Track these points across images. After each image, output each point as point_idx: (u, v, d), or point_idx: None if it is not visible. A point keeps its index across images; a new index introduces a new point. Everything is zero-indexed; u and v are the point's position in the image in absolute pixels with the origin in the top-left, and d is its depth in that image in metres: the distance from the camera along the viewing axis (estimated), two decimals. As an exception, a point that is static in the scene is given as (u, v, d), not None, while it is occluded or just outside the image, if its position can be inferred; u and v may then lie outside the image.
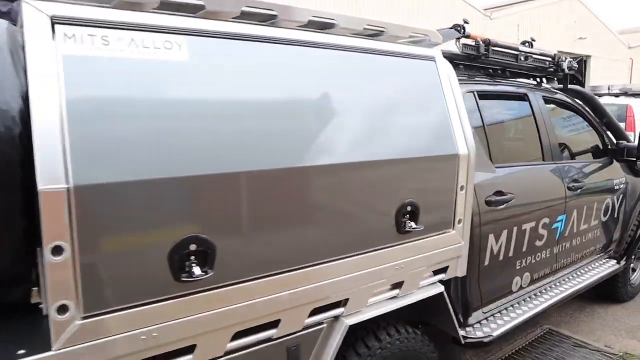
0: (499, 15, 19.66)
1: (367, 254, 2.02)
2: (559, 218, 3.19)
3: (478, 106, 2.78)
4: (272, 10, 1.75)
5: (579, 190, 3.32)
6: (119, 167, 1.37)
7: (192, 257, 1.50)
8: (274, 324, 1.78)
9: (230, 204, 1.61)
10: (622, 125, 8.97)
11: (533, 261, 3.07)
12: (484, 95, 2.86)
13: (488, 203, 2.64)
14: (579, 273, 3.67)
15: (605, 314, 4.19)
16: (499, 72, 3.15)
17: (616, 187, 3.82)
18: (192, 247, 1.50)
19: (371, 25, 2.06)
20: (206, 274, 1.51)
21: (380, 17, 2.20)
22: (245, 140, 1.63)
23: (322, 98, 1.88)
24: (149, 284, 1.46)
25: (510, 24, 19.42)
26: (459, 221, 2.37)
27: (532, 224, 2.94)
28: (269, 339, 1.78)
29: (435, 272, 2.37)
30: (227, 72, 1.65)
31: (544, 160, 3.17)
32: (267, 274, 1.71)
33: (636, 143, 3.65)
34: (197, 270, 1.49)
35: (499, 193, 2.69)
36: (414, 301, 2.26)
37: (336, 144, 1.91)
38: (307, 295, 1.83)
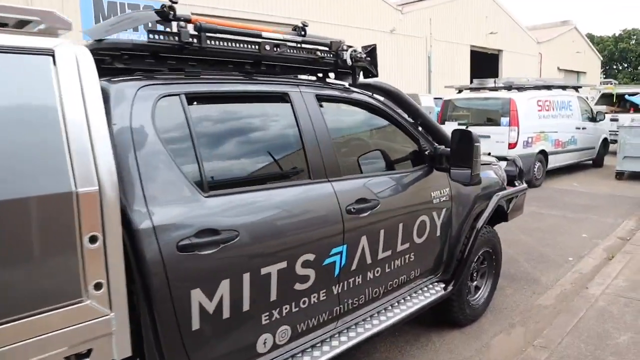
0: (410, 9, 19.46)
1: None
2: (335, 250, 2.51)
3: (186, 114, 2.03)
4: None
5: (367, 213, 2.66)
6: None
7: None
8: None
9: None
10: (505, 119, 8.95)
11: (295, 310, 2.38)
12: (200, 99, 2.13)
13: (183, 249, 1.89)
14: (386, 308, 3.03)
15: (440, 343, 3.61)
16: (249, 67, 2.43)
17: (435, 201, 3.22)
18: None
19: None
20: None
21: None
22: None
23: None
24: None
25: (422, 19, 19.28)
26: (98, 286, 1.60)
27: (280, 265, 2.23)
28: None
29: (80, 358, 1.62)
30: None
31: (311, 178, 2.48)
32: None
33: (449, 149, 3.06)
34: None
35: (204, 233, 1.96)
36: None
37: None
38: None
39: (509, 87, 9.76)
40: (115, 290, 1.65)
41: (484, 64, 24.02)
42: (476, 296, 3.90)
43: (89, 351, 1.64)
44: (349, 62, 2.71)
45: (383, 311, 3.00)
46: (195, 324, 1.97)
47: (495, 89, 10.03)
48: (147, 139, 1.89)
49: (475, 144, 2.87)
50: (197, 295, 1.95)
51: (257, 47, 2.31)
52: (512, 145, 8.92)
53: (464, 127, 2.87)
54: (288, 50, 2.42)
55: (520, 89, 9.66)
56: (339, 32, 17.23)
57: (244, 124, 2.33)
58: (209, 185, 2.05)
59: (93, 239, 1.58)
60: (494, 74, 23.42)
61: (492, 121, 9.40)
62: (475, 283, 3.88)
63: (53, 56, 1.58)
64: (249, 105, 2.40)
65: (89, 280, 1.59)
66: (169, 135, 1.98)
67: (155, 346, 1.89)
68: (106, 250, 1.61)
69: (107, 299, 1.64)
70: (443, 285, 3.43)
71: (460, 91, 10.78)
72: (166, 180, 1.91)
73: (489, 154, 4.55)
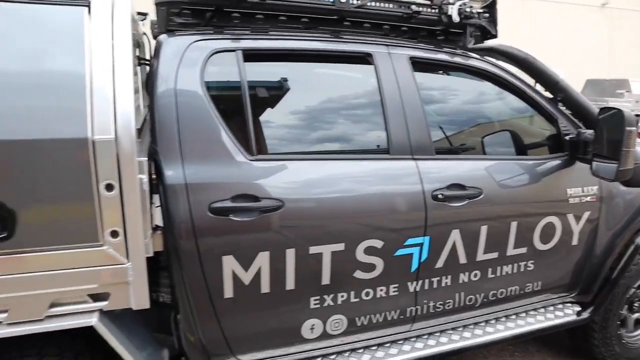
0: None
1: None
2: (412, 241, 2.14)
3: (240, 72, 1.91)
4: None
5: (462, 202, 2.21)
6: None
7: None
8: None
9: None
10: None
11: (354, 300, 2.11)
12: (259, 56, 1.99)
13: (216, 211, 1.80)
14: (487, 322, 2.52)
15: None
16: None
17: (573, 201, 2.53)
18: None
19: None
20: None
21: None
22: None
23: None
24: None
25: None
26: (114, 234, 1.62)
27: (335, 247, 1.98)
28: None
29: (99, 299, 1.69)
30: None
31: (389, 153, 2.15)
32: None
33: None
34: None
35: (242, 198, 1.83)
36: (37, 331, 1.62)
37: None
38: None
39: None
40: (132, 241, 1.64)
41: None
42: (636, 333, 3.01)
43: (107, 295, 1.68)
44: (455, 18, 2.25)
45: (481, 324, 2.50)
46: (228, 292, 1.87)
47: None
48: (192, 94, 1.83)
49: (628, 128, 2.14)
50: (229, 263, 1.84)
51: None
52: None
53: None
54: (372, 3, 2.11)
55: None
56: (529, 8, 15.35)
57: (308, 87, 2.11)
58: (258, 149, 1.91)
59: (109, 187, 1.58)
60: None
61: None
62: (636, 316, 2.99)
63: (88, 7, 1.61)
64: (318, 66, 2.16)
65: (105, 227, 1.61)
66: (218, 93, 1.90)
67: (187, 304, 1.86)
68: (123, 199, 1.60)
69: (124, 248, 1.64)
70: (578, 309, 2.72)
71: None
72: (207, 138, 1.84)
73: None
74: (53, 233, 1.58)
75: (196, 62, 1.86)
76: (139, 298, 1.71)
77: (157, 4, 1.94)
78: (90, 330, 1.69)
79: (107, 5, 1.65)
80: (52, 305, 1.64)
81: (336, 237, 1.98)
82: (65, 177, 1.55)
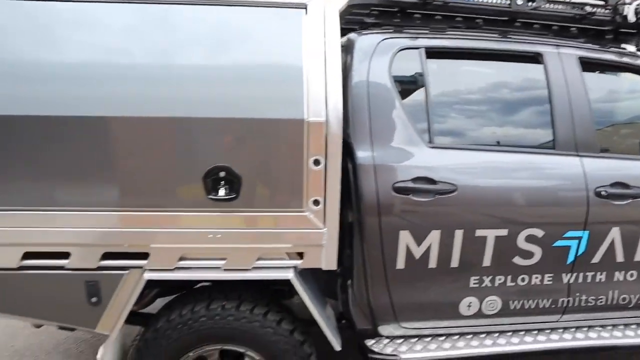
0: None
1: (171, 213, 1.87)
2: (572, 234, 2.22)
3: (423, 67, 2.12)
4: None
5: (624, 201, 2.23)
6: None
7: None
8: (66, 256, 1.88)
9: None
10: None
11: (510, 284, 2.24)
12: (440, 53, 2.17)
13: (399, 190, 2.02)
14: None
15: None
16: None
17: None
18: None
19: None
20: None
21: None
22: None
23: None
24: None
25: None
26: (315, 202, 1.90)
27: (499, 232, 2.13)
28: (61, 267, 1.88)
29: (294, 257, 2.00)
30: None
31: (555, 148, 2.23)
32: (59, 208, 1.83)
33: None
34: None
35: (422, 180, 2.04)
36: (246, 278, 1.98)
37: (146, 96, 1.82)
38: (95, 238, 1.87)
39: None
40: (329, 210, 1.92)
41: None
42: None
43: (302, 254, 1.97)
44: (631, 18, 2.26)
45: (632, 326, 2.49)
46: (400, 264, 2.10)
47: None
48: (381, 86, 2.07)
49: None
50: (405, 237, 2.06)
51: (508, 1, 2.19)
52: None
53: None
54: (546, 5, 2.20)
55: None
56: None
57: (483, 83, 2.26)
58: (435, 138, 2.10)
59: (316, 162, 1.86)
60: None
61: None
62: None
63: (305, 9, 1.91)
64: (493, 64, 2.28)
65: (309, 196, 1.90)
66: (402, 85, 2.11)
67: (362, 271, 2.11)
68: (326, 173, 1.88)
69: (322, 216, 1.92)
70: None
71: None
72: (393, 126, 2.07)
73: None
74: (267, 197, 1.90)
75: (385, 57, 2.09)
76: (328, 260, 1.98)
77: (349, 6, 2.20)
78: (277, 284, 2.01)
79: (320, 7, 1.94)
80: (259, 259, 1.96)
81: (501, 223, 2.12)
82: (283, 150, 1.86)
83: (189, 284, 2.21)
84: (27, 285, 1.92)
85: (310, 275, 2.20)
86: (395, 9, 2.19)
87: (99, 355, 2.00)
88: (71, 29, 1.83)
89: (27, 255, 1.88)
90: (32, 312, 1.98)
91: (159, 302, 2.28)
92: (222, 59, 1.86)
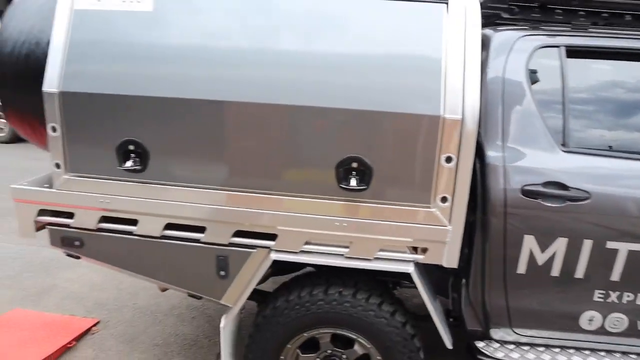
0: None
1: (300, 198, 1.97)
2: None
3: (562, 67, 2.03)
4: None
5: None
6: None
7: None
8: (202, 230, 2.06)
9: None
10: None
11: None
12: (583, 52, 2.06)
13: (527, 193, 1.96)
14: None
15: None
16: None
17: None
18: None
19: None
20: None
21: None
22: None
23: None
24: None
25: None
26: (443, 199, 1.90)
27: (633, 246, 2.00)
28: (197, 240, 2.08)
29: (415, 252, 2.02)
30: None
31: None
32: (198, 185, 2.01)
33: None
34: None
35: (553, 185, 1.96)
36: (367, 268, 2.03)
37: (290, 84, 1.90)
38: (230, 216, 2.02)
39: None
40: (457, 208, 1.91)
41: None
42: None
43: (425, 250, 1.98)
44: None
45: None
46: (521, 268, 2.04)
47: None
48: (517, 85, 2.00)
49: None
50: (529, 242, 2.00)
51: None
52: None
53: None
54: None
55: None
56: None
57: (628, 87, 2.11)
58: (570, 141, 2.01)
59: (448, 159, 1.86)
60: None
61: None
62: None
63: (447, 4, 1.89)
64: (636, 65, 2.13)
65: (438, 192, 1.90)
66: (539, 85, 2.04)
67: (480, 272, 2.08)
68: (457, 171, 1.87)
69: (449, 213, 1.92)
70: None
71: None
72: (526, 127, 2.00)
73: None
74: (396, 190, 1.93)
75: (523, 55, 2.03)
76: (450, 258, 1.98)
77: (486, 0, 2.15)
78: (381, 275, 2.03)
79: (461, 2, 1.91)
80: (381, 250, 2.00)
81: (636, 236, 1.99)
82: (415, 145, 1.87)
83: (300, 266, 2.31)
84: (166, 254, 2.11)
85: (424, 271, 2.21)
86: (535, 4, 2.11)
87: (222, 324, 2.15)
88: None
89: (169, 226, 2.07)
90: (167, 277, 2.17)
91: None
92: (364, 51, 1.89)
